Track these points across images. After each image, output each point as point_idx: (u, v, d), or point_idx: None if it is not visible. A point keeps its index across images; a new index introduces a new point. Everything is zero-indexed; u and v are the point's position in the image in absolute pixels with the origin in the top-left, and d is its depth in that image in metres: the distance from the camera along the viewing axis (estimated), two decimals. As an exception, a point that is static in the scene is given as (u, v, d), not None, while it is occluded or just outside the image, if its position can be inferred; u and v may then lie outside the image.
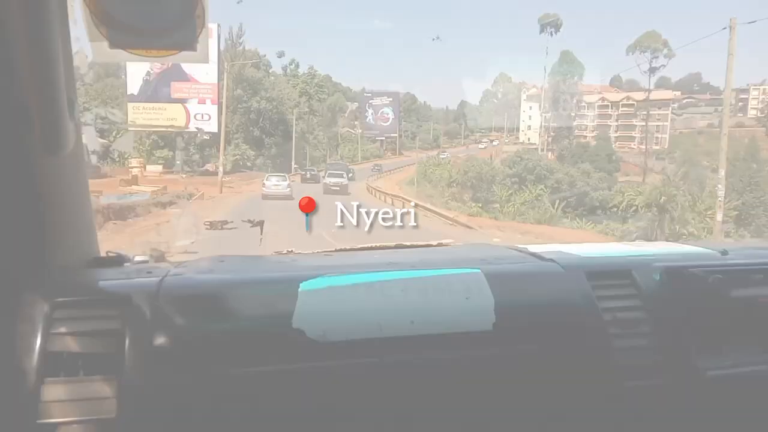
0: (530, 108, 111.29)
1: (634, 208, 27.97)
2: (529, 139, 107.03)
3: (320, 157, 76.77)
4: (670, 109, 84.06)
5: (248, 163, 53.63)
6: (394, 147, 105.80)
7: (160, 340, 0.96)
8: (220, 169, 28.91)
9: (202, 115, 39.22)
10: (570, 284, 1.18)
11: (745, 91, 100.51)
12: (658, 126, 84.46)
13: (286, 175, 31.41)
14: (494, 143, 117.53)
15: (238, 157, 51.52)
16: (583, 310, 1.13)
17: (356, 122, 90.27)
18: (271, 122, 61.08)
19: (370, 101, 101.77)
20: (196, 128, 38.70)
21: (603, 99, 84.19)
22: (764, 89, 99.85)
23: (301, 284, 1.07)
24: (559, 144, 71.59)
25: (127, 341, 0.95)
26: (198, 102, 40.00)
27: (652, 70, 64.22)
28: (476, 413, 1.06)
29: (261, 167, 56.73)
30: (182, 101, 40.47)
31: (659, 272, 1.23)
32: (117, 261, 1.26)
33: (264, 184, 27.61)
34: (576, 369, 1.10)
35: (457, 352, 1.06)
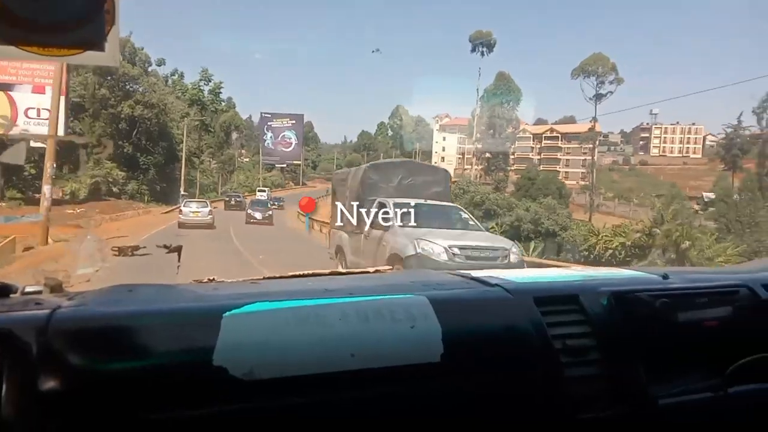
0: (444, 139, 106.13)
1: (610, 251, 23.94)
2: None
3: (209, 185, 62.43)
4: (596, 143, 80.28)
5: (115, 188, 38.22)
6: (296, 176, 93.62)
7: (48, 383, 0.80)
8: (45, 195, 14.83)
9: (38, 110, 23.95)
10: (518, 310, 1.11)
11: (647, 130, 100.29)
12: (569, 161, 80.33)
13: (207, 201, 27.51)
14: None
15: (99, 179, 36.09)
16: (534, 337, 1.07)
17: (243, 150, 75.89)
18: (150, 136, 46.23)
19: (269, 123, 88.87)
20: (23, 131, 23.44)
21: (524, 131, 78.56)
22: (669, 128, 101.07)
23: (223, 315, 0.93)
24: (494, 175, 63.28)
25: (5, 386, 0.78)
26: (33, 90, 24.67)
27: (598, 97, 57.94)
28: None
29: (133, 194, 41.99)
30: (6, 87, 25.41)
31: (606, 297, 1.19)
32: (1, 291, 1.05)
33: (181, 210, 24.13)
34: (529, 401, 1.03)
35: (403, 388, 0.95)
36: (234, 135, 78.54)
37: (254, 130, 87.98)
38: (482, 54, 63.83)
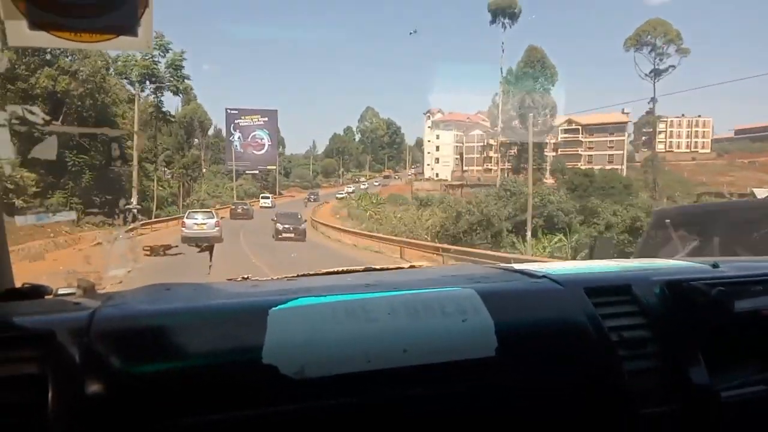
0: (437, 137, 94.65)
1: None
2: (437, 175, 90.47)
3: (167, 197, 48.02)
4: (629, 135, 70.06)
5: (18, 200, 23.92)
6: (268, 184, 79.82)
7: (93, 386, 0.77)
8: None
9: None
10: (570, 302, 1.07)
11: (648, 123, 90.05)
12: (591, 156, 69.83)
13: (213, 212, 24.75)
14: (387, 180, 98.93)
15: (-10, 185, 21.59)
16: (589, 330, 1.03)
17: (202, 153, 61.35)
18: (82, 124, 31.96)
19: (236, 121, 74.73)
20: None
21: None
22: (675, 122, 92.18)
23: (269, 311, 0.90)
24: (525, 175, 51.38)
25: (50, 389, 0.76)
26: None
27: (657, 74, 46.94)
28: None
29: (53, 208, 27.75)
30: None
31: (659, 286, 1.15)
32: (36, 293, 1.04)
33: (184, 222, 21.71)
34: (590, 396, 0.99)
35: (459, 384, 0.92)
36: (197, 135, 63.95)
37: (212, 134, 73.55)
38: (504, 26, 52.14)
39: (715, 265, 1.31)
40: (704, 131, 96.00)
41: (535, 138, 51.05)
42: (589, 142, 69.97)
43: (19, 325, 0.86)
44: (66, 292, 1.09)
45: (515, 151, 53.24)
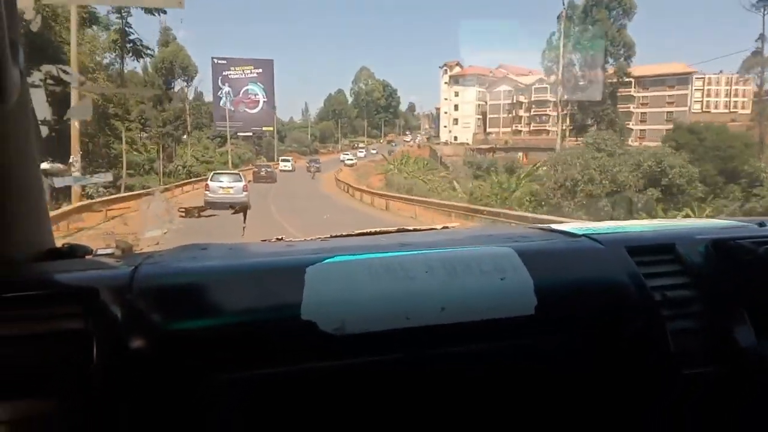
0: (456, 94, 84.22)
1: None
2: (455, 138, 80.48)
3: (143, 162, 37.36)
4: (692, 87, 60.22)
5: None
6: (261, 149, 68.86)
7: (137, 342, 0.79)
8: None
9: None
10: (612, 261, 1.05)
11: (684, 80, 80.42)
12: (646, 114, 60.06)
13: (241, 174, 21.35)
14: (393, 145, 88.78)
15: None
16: (632, 289, 1.01)
17: (187, 106, 49.93)
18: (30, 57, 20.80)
19: (225, 73, 63.04)
20: None
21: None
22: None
23: (307, 269, 0.90)
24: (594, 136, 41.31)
25: (95, 345, 0.78)
26: None
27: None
28: (528, 410, 0.94)
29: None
30: None
31: (704, 245, 1.11)
32: (76, 253, 1.05)
33: (208, 185, 19.07)
34: (631, 356, 0.98)
35: (498, 342, 0.92)
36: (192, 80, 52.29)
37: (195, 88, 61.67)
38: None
39: (762, 224, 1.28)
40: (744, 90, 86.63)
41: (608, 88, 40.95)
42: (643, 97, 59.77)
43: (62, 283, 0.87)
44: (105, 252, 1.10)
45: (574, 107, 42.69)
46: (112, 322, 0.80)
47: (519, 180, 25.41)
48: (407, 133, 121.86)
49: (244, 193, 18.64)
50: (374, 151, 75.61)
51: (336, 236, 1.37)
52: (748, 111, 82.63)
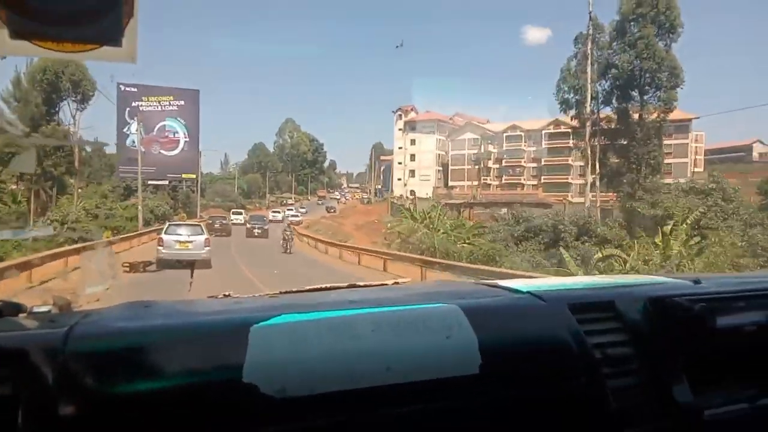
0: (412, 142, 73.43)
1: None
2: (412, 193, 69.96)
3: (5, 215, 23.57)
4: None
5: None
6: (185, 203, 54.74)
7: (68, 407, 0.75)
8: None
9: None
10: (554, 318, 1.06)
11: None
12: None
13: (202, 226, 18.30)
14: (320, 203, 77.88)
15: None
16: (573, 347, 1.03)
17: (78, 131, 35.24)
18: None
19: (135, 103, 49.38)
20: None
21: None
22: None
23: (251, 328, 0.88)
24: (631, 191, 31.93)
25: (23, 410, 0.74)
26: None
27: None
28: None
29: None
30: None
31: (643, 303, 1.16)
32: (9, 311, 1.00)
33: (161, 240, 15.92)
34: (571, 413, 0.99)
35: (443, 402, 0.91)
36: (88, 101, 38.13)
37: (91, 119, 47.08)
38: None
39: (697, 281, 1.32)
40: None
41: (653, 124, 32.27)
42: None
43: None
44: (41, 309, 1.05)
45: (601, 143, 33.56)
46: (42, 386, 0.76)
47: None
48: (330, 190, 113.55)
49: (206, 248, 15.82)
50: (303, 210, 63.91)
51: (285, 292, 1.35)
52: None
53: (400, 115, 68.43)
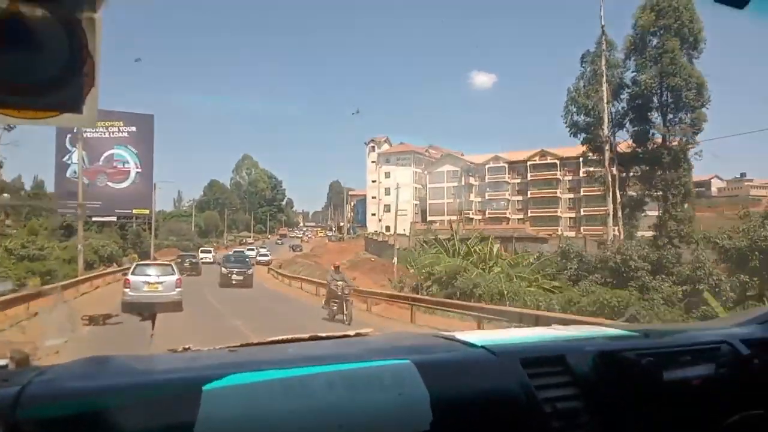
0: (386, 176, 68.58)
1: None
2: (387, 229, 64.82)
3: None
4: None
5: None
6: (137, 240, 48.11)
7: None
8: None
9: None
10: (505, 374, 1.10)
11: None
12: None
13: (173, 265, 16.73)
14: (280, 242, 72.42)
15: None
16: (523, 401, 1.06)
17: None
18: None
19: (80, 130, 43.74)
20: None
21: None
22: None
23: (203, 387, 0.90)
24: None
25: None
26: None
27: None
28: None
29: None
30: None
31: (592, 356, 1.19)
32: None
33: (129, 281, 14.53)
34: None
35: None
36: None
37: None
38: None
39: (647, 335, 1.36)
40: None
41: (680, 147, 28.87)
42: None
43: None
44: None
45: (620, 170, 29.98)
46: None
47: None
48: (290, 228, 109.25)
49: (177, 289, 14.39)
50: (265, 248, 58.33)
51: (245, 345, 1.35)
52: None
53: (373, 147, 64.49)
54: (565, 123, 30.97)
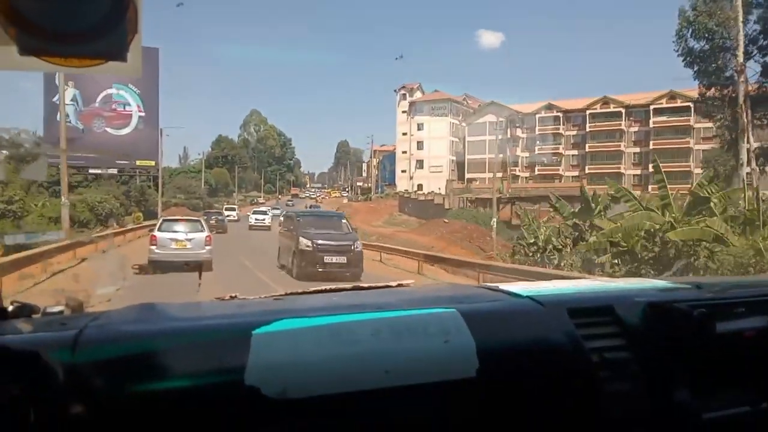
0: (419, 127, 59.69)
1: None
2: (419, 187, 58.26)
3: None
4: None
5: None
6: (140, 197, 42.13)
7: (78, 407, 0.78)
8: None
9: None
10: (552, 323, 1.09)
11: None
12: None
13: (202, 221, 15.48)
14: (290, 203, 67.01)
15: None
16: (570, 351, 1.06)
17: None
18: None
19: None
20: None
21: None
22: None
23: (253, 331, 0.93)
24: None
25: (34, 412, 0.76)
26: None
27: None
28: None
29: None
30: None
31: (642, 308, 1.18)
32: (22, 312, 1.05)
33: (155, 237, 13.73)
34: (568, 417, 1.01)
35: (439, 404, 0.94)
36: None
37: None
38: None
39: (699, 286, 1.35)
40: None
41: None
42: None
43: (2, 346, 0.83)
44: (54, 310, 1.09)
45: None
46: (52, 388, 0.78)
47: None
48: (303, 189, 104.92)
49: (207, 248, 13.43)
50: (278, 210, 52.68)
51: (290, 294, 1.41)
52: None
53: (404, 95, 57.50)
54: (677, 51, 24.34)
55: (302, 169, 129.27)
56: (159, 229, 14.03)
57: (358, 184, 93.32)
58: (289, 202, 68.84)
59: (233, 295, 1.35)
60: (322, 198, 78.66)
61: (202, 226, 14.49)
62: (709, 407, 1.08)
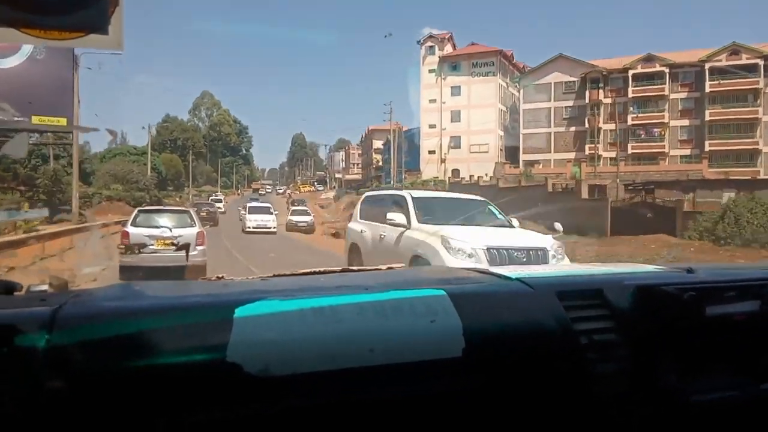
0: (454, 90, 39.38)
1: None
2: (454, 173, 43.69)
3: None
4: None
5: None
6: (51, 184, 26.21)
7: (55, 383, 0.78)
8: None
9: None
10: (541, 305, 1.11)
11: None
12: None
13: (191, 212, 12.00)
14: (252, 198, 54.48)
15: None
16: (558, 332, 1.07)
17: None
18: None
19: None
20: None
21: None
22: None
23: (236, 310, 0.93)
24: None
25: (8, 385, 0.77)
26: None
27: None
28: None
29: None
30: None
31: (631, 291, 1.19)
32: (5, 289, 1.05)
33: (127, 234, 10.21)
34: (555, 399, 1.02)
35: (424, 383, 0.95)
36: None
37: None
38: None
39: (690, 270, 1.35)
40: None
41: None
42: None
43: None
44: (37, 289, 1.09)
45: None
46: (27, 363, 0.78)
47: None
48: (262, 184, 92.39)
49: (199, 248, 10.46)
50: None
51: (278, 275, 1.41)
52: None
53: (431, 47, 42.65)
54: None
55: (255, 163, 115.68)
56: (132, 224, 10.20)
57: (337, 176, 80.00)
58: (252, 198, 54.68)
59: (220, 275, 1.37)
60: (291, 194, 69.21)
61: (192, 219, 10.85)
62: (697, 390, 1.09)
